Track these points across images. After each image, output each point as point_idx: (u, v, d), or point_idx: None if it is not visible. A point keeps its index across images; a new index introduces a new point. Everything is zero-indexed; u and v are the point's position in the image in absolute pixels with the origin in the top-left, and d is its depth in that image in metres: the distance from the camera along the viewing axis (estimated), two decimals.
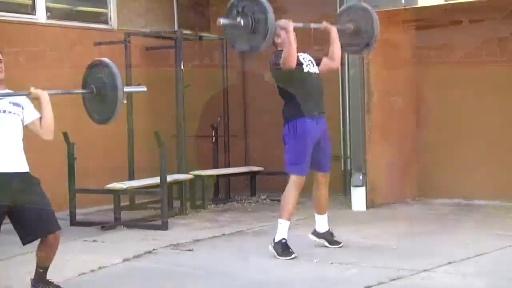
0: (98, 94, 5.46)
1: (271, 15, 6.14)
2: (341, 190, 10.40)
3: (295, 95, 6.69)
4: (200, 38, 11.10)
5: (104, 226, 8.21)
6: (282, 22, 6.53)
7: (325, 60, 7.00)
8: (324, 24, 6.99)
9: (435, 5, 9.12)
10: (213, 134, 10.87)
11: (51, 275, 5.40)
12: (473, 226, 8.17)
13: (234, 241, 7.62)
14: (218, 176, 10.46)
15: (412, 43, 10.37)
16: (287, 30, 6.53)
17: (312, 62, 6.87)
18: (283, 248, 6.59)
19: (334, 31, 6.98)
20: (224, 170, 10.52)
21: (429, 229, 8.03)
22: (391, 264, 6.22)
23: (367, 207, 9.48)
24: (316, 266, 6.34)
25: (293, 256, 6.56)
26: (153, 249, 7.09)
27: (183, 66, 10.06)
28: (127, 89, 6.64)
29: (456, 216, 8.86)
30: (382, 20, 9.47)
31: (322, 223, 7.05)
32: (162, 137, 8.23)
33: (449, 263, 6.23)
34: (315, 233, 7.07)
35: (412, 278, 5.79)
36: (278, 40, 6.74)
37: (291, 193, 6.68)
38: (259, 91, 11.45)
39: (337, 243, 7.04)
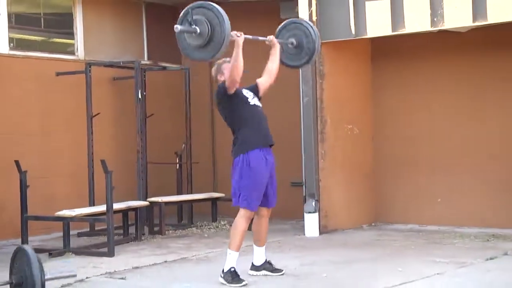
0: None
1: (227, 23, 6.19)
2: (302, 216, 10.50)
3: (246, 128, 6.72)
4: (164, 68, 11.36)
5: (52, 253, 8.38)
6: (234, 33, 6.44)
7: (261, 80, 6.98)
8: (271, 38, 7.02)
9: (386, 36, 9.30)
10: (177, 161, 11.09)
11: None
12: (413, 252, 8.24)
13: (173, 268, 7.69)
14: (181, 202, 10.65)
15: (367, 71, 10.51)
16: (237, 42, 6.48)
17: (254, 96, 6.88)
18: (233, 276, 6.63)
19: (278, 46, 7.02)
20: (183, 197, 10.69)
21: (369, 256, 8.07)
22: None
23: (320, 232, 9.61)
24: None
25: (243, 283, 6.58)
26: (86, 278, 7.15)
27: (148, 95, 10.30)
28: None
29: (403, 242, 8.93)
30: (336, 50, 9.74)
31: (260, 255, 7.04)
32: (108, 165, 8.41)
33: None
34: (254, 268, 7.06)
35: None
36: (221, 78, 6.78)
37: (241, 225, 6.70)
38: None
39: (279, 270, 7.05)
